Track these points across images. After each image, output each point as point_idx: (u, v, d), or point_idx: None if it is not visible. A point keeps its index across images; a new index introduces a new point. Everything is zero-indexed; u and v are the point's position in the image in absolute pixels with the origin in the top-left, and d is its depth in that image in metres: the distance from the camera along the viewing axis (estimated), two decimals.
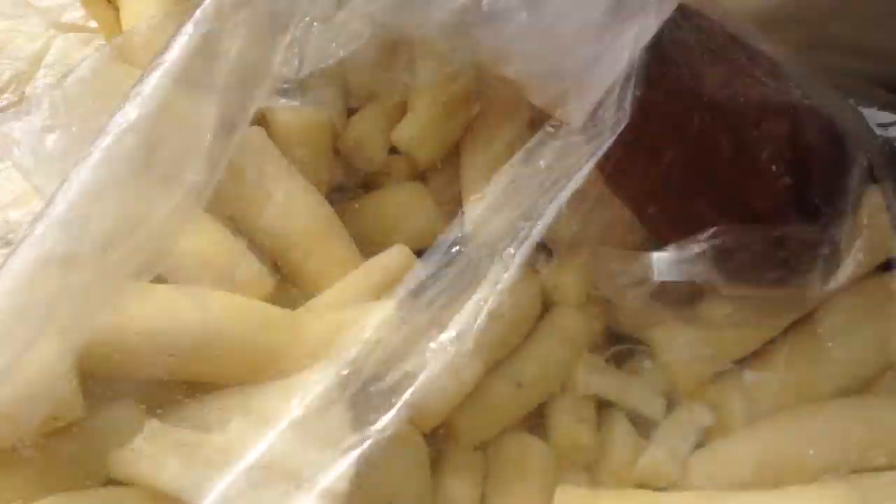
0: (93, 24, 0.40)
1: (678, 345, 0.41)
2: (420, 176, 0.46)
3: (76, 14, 0.40)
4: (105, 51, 0.34)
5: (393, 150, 0.45)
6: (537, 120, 0.40)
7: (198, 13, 0.29)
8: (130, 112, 0.27)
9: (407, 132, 0.44)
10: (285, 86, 0.38)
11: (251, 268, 0.35)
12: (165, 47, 0.28)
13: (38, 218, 0.26)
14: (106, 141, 0.27)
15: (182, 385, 0.31)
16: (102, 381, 0.29)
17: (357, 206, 0.43)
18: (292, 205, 0.37)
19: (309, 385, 0.30)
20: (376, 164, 0.45)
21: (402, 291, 0.34)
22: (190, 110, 0.29)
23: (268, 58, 0.32)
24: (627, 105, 0.34)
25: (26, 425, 0.27)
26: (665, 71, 0.35)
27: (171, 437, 0.29)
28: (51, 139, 0.32)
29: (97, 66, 0.33)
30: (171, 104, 0.28)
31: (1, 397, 0.26)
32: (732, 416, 0.39)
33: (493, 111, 0.44)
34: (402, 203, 0.43)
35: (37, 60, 0.40)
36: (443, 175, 0.45)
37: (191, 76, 0.28)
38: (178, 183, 0.28)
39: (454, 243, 0.36)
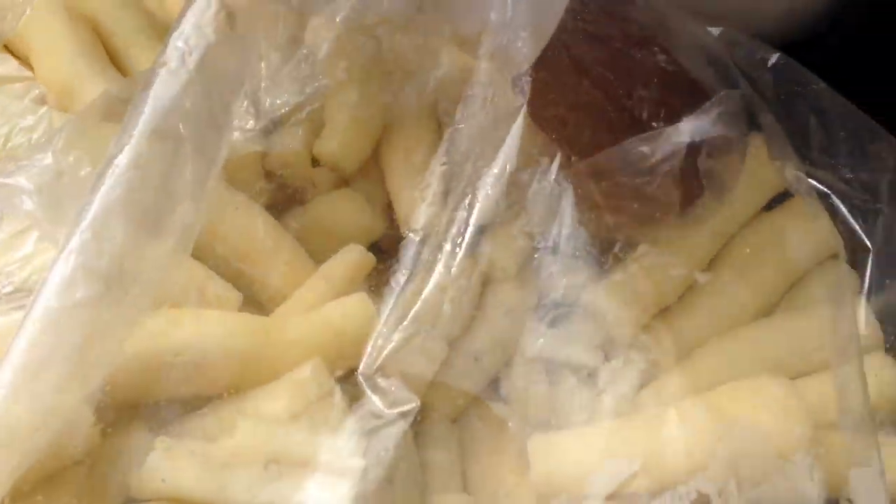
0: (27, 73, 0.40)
1: (607, 300, 0.45)
2: (344, 184, 0.48)
3: (9, 66, 0.40)
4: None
5: (314, 163, 0.47)
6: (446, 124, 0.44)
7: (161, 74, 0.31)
8: (121, 162, 0.29)
9: (328, 145, 0.46)
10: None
11: (218, 286, 0.36)
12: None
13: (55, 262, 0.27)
14: (105, 190, 0.28)
15: (177, 404, 0.32)
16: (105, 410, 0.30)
17: (293, 220, 0.46)
18: (244, 224, 0.39)
19: (301, 380, 0.32)
20: (301, 179, 0.47)
21: (364, 286, 0.37)
22: (171, 160, 0.31)
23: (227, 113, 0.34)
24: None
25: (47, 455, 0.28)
26: (554, 54, 0.39)
27: (184, 449, 0.30)
28: (63, 183, 0.33)
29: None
30: (156, 156, 0.30)
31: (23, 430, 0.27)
32: (666, 355, 0.44)
33: (405, 119, 0.47)
34: (341, 209, 0.45)
35: None
36: (365, 181, 0.48)
37: (165, 130, 0.30)
38: (172, 226, 0.30)
39: (403, 238, 0.39)
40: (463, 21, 0.37)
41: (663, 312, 0.45)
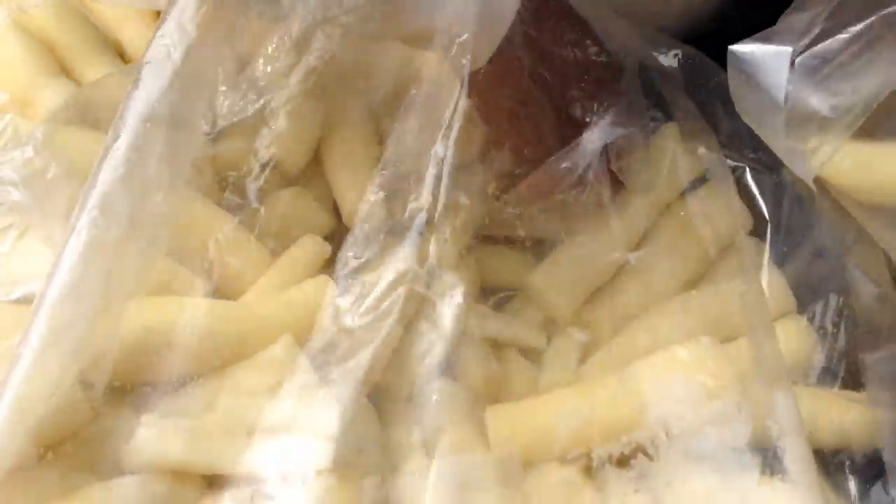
0: None
1: (545, 285, 0.49)
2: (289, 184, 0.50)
3: None
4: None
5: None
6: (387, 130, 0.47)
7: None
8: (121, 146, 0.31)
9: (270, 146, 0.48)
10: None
11: (184, 277, 0.38)
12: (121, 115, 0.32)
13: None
14: (108, 169, 0.30)
15: (161, 385, 0.34)
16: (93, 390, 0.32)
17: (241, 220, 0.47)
18: (205, 220, 0.41)
19: (274, 356, 0.34)
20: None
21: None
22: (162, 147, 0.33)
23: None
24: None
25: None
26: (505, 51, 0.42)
27: (170, 423, 0.32)
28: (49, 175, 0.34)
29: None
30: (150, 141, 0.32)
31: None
32: (603, 330, 0.48)
33: (348, 118, 0.49)
34: (289, 207, 0.47)
35: None
36: (313, 180, 0.50)
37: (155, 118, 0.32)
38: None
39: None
40: (415, 16, 0.40)
41: (598, 292, 0.49)
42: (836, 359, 0.45)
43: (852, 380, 0.45)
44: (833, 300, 0.47)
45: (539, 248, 0.50)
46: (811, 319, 0.46)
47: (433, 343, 0.45)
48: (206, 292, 0.39)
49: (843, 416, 0.41)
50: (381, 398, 0.42)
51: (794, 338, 0.45)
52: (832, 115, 0.39)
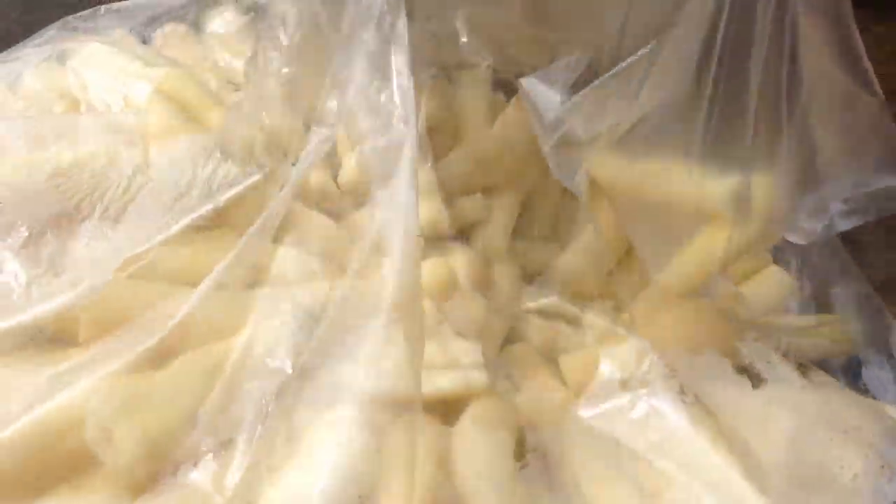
0: None
1: (574, 263, 0.60)
2: None
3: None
4: None
5: None
6: None
7: None
8: None
9: None
10: None
11: None
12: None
13: None
14: None
15: None
16: None
17: None
18: None
19: None
20: None
21: None
22: None
23: None
24: None
25: None
26: None
27: None
28: None
29: None
30: None
31: None
32: (624, 296, 0.59)
33: None
34: None
35: None
36: None
37: None
38: None
39: None
40: None
41: (616, 267, 0.61)
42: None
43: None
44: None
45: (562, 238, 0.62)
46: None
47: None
48: None
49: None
50: None
51: (777, 281, 0.58)
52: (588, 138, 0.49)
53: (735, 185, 0.45)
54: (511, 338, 0.56)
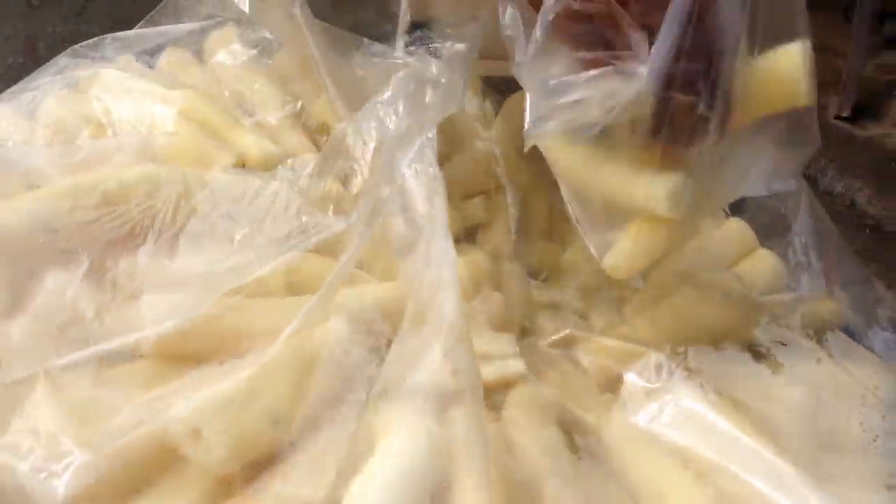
0: None
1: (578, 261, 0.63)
2: None
3: None
4: None
5: None
6: None
7: None
8: None
9: None
10: None
11: None
12: None
13: None
14: None
15: None
16: None
17: None
18: None
19: None
20: None
21: None
22: None
23: None
24: None
25: None
26: None
27: None
28: None
29: None
30: None
31: None
32: (626, 287, 0.62)
33: None
34: None
35: None
36: None
37: None
38: None
39: None
40: None
41: None
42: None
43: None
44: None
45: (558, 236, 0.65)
46: None
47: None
48: None
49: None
50: None
51: (768, 264, 0.61)
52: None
53: (674, 185, 0.47)
54: (523, 332, 0.59)
